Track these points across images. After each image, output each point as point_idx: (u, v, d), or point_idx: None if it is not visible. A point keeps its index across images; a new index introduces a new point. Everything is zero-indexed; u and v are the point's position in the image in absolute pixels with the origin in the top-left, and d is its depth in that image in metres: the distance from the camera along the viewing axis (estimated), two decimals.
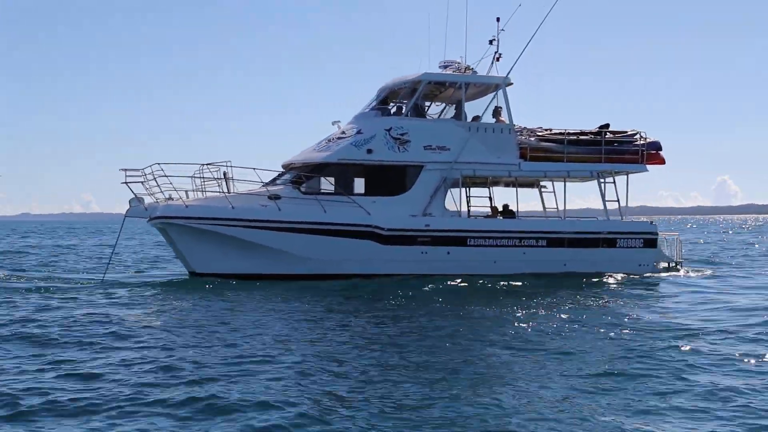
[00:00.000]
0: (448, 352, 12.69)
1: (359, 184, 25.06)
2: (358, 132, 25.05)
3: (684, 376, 11.07)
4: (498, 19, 27.42)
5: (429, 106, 28.15)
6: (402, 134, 24.92)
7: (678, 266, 26.98)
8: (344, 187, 24.82)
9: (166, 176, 23.78)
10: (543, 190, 28.50)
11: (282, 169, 26.02)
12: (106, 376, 10.79)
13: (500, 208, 26.66)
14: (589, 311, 17.50)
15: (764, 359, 12.19)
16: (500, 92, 25.95)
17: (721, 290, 22.10)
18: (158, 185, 23.79)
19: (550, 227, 25.50)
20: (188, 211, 23.74)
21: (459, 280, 23.37)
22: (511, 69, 25.85)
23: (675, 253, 27.39)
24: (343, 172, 24.91)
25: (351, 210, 24.25)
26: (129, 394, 9.86)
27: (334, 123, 26.71)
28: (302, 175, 24.64)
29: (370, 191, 24.80)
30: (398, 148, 24.87)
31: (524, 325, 15.42)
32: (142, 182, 23.81)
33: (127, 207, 24.32)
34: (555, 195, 27.77)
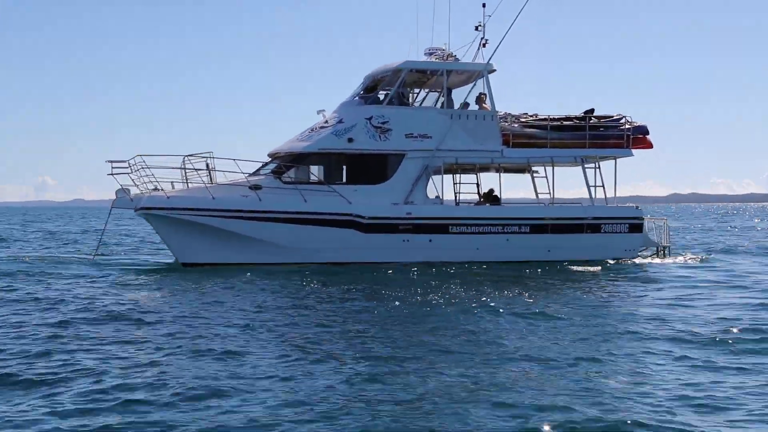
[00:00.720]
0: (413, 340, 12.60)
1: (340, 173, 25.07)
2: (340, 121, 25.02)
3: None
4: (484, 5, 27.14)
5: (417, 94, 28.07)
6: (383, 123, 24.85)
7: (665, 251, 26.80)
8: (325, 177, 24.84)
9: (149, 168, 23.97)
10: (535, 175, 28.29)
11: (268, 159, 26.07)
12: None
13: (486, 194, 26.59)
14: (556, 298, 17.42)
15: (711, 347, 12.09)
16: (483, 79, 25.77)
17: (699, 279, 21.82)
18: (141, 177, 23.97)
19: (533, 213, 25.39)
20: (169, 201, 23.84)
21: (440, 268, 23.40)
22: (492, 55, 25.80)
23: (663, 238, 27.19)
24: (324, 161, 24.94)
25: (332, 199, 24.25)
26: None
27: (319, 112, 26.66)
28: (283, 165, 24.66)
29: (351, 180, 24.80)
30: (379, 136, 24.81)
31: (492, 311, 15.34)
32: (128, 173, 23.99)
33: (114, 198, 24.55)
34: (547, 180, 27.51)
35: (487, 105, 25.88)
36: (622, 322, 14.26)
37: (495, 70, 26.26)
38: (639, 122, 26.68)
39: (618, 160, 26.68)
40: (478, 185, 26.96)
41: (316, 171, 25.32)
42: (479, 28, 27.01)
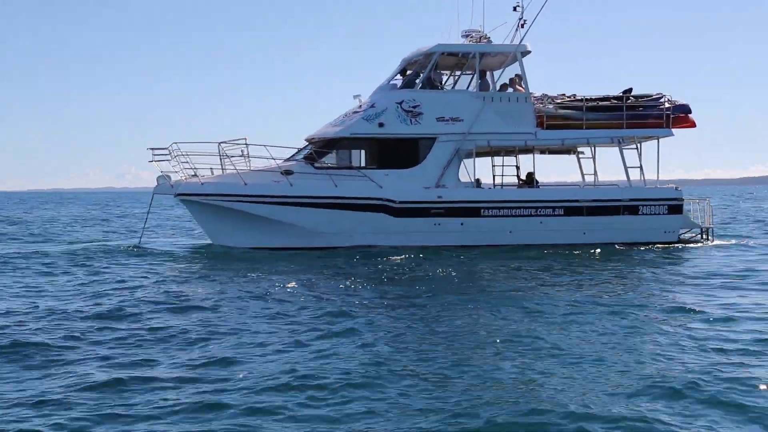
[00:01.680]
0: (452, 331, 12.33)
1: (373, 158, 25.14)
2: (372, 106, 25.09)
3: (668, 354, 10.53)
4: None
5: (458, 77, 27.77)
6: (414, 107, 24.80)
7: (707, 233, 26.02)
8: (357, 161, 24.98)
9: (184, 154, 24.52)
10: (581, 156, 27.72)
11: (305, 143, 26.34)
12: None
13: (524, 177, 26.27)
14: (591, 286, 17.13)
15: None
16: (517, 60, 25.44)
17: (741, 260, 21.12)
18: (180, 163, 24.53)
19: (567, 195, 24.99)
20: (203, 188, 24.36)
21: (474, 251, 23.33)
22: (524, 36, 25.39)
23: (705, 219, 26.40)
24: (355, 146, 25.07)
25: (362, 184, 24.37)
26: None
27: (355, 97, 26.76)
28: (315, 150, 24.88)
29: (383, 164, 24.84)
30: (410, 120, 24.78)
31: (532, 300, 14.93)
32: (168, 160, 24.61)
33: (155, 184, 25.20)
34: (594, 162, 26.98)
35: (522, 87, 25.55)
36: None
37: (530, 52, 25.90)
38: (680, 101, 25.94)
39: (661, 140, 26.02)
40: (517, 168, 26.63)
41: (353, 156, 25.47)
42: (517, 8, 26.64)
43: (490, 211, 24.55)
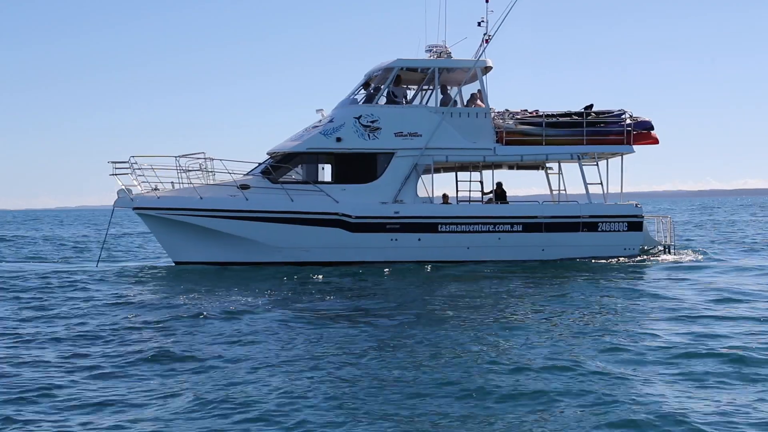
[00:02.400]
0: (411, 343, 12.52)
1: (330, 173, 25.02)
2: (330, 120, 24.98)
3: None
4: (487, 0, 26.76)
5: (425, 92, 27.60)
6: (372, 122, 24.67)
7: (669, 250, 25.76)
8: (314, 176, 24.86)
9: (143, 168, 24.42)
10: (549, 172, 27.56)
11: (268, 157, 26.19)
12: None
13: (495, 188, 26.06)
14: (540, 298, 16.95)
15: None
16: (478, 75, 25.30)
17: (696, 277, 20.83)
18: (139, 177, 24.40)
19: (526, 211, 24.78)
20: (159, 201, 24.23)
21: (429, 268, 23.17)
22: (483, 51, 25.28)
23: (667, 236, 26.17)
24: (312, 160, 24.94)
25: (319, 198, 24.22)
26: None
27: (318, 111, 26.67)
28: (271, 165, 24.75)
29: (340, 179, 24.69)
30: (368, 135, 24.64)
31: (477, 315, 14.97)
32: (129, 174, 24.49)
33: (116, 198, 25.06)
34: (561, 177, 26.79)
35: (482, 102, 25.42)
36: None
37: (491, 67, 25.79)
38: (642, 117, 25.78)
39: (624, 157, 25.84)
40: (481, 183, 26.37)
41: (320, 170, 25.35)
42: (481, 23, 26.50)
43: (447, 226, 24.35)
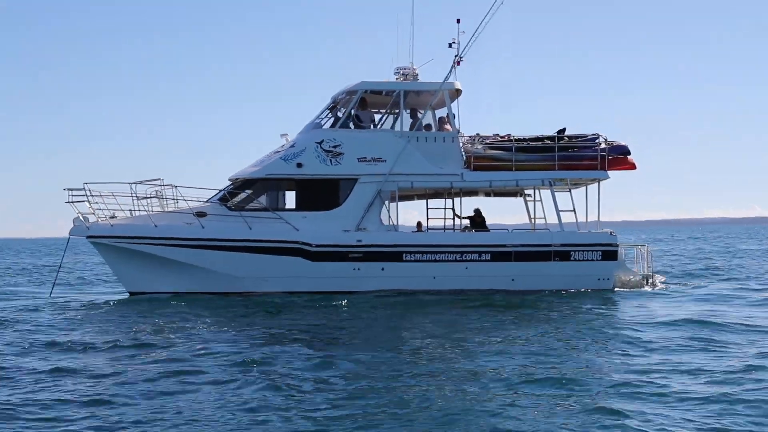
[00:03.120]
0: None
1: (291, 199, 24.10)
2: (292, 146, 24.09)
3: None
4: (458, 21, 25.77)
5: (397, 115, 26.60)
6: (334, 146, 23.75)
7: (647, 280, 24.58)
8: (274, 203, 23.93)
9: (97, 195, 23.51)
10: (528, 199, 26.49)
11: (229, 183, 25.29)
12: None
13: (473, 215, 25.06)
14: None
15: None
16: (445, 98, 24.35)
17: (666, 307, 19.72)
18: (91, 204, 23.48)
19: (494, 240, 23.72)
20: (113, 230, 23.32)
21: (395, 298, 22.11)
22: (453, 73, 24.32)
23: (644, 266, 25.00)
24: (272, 187, 24.01)
25: (278, 226, 23.26)
26: None
27: (282, 135, 25.75)
28: (229, 191, 23.83)
29: (301, 206, 23.74)
30: (330, 160, 23.71)
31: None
32: (84, 201, 23.57)
33: (71, 226, 24.13)
34: (541, 204, 25.80)
35: (450, 126, 24.49)
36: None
37: (460, 90, 24.87)
38: (618, 141, 24.77)
39: (601, 183, 24.80)
40: (453, 209, 25.28)
41: (278, 196, 24.39)
42: (452, 45, 25.57)
43: (412, 255, 23.31)
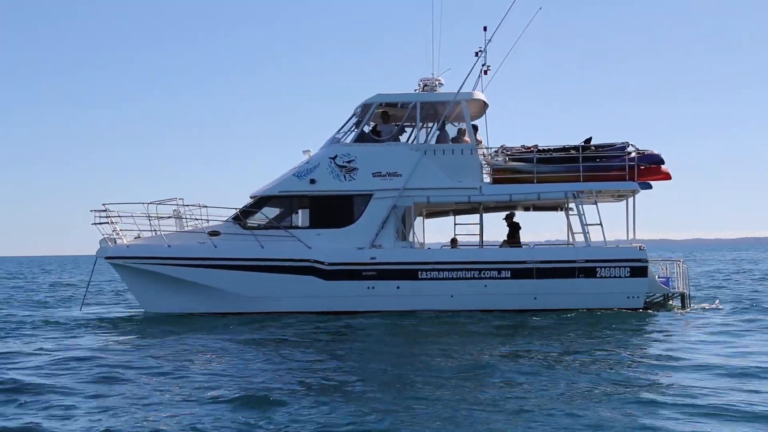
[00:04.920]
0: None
1: (306, 217, 23.54)
2: (307, 162, 23.57)
3: None
4: (485, 29, 24.89)
5: (421, 127, 25.67)
6: (348, 161, 23.10)
7: (684, 300, 22.93)
8: (288, 220, 23.43)
9: (116, 216, 23.50)
10: (570, 213, 25.16)
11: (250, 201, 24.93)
12: None
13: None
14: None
15: None
16: (463, 109, 23.40)
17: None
18: (110, 224, 23.48)
19: (515, 256, 22.58)
20: (128, 250, 23.25)
21: (411, 318, 21.25)
22: (463, 83, 23.35)
23: (680, 283, 23.36)
24: (286, 204, 23.52)
25: (291, 244, 22.74)
26: None
27: (305, 152, 25.24)
28: (242, 210, 23.44)
29: (315, 223, 23.17)
30: (344, 176, 23.06)
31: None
32: (108, 223, 23.60)
33: (98, 247, 24.23)
34: (583, 218, 24.47)
35: (468, 138, 23.52)
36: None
37: (480, 100, 23.88)
38: (651, 150, 23.28)
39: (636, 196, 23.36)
40: (480, 225, 24.22)
41: (296, 215, 23.90)
42: (479, 53, 24.68)
43: (428, 273, 22.41)
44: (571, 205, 24.38)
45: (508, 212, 24.55)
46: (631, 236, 23.70)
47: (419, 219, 26.30)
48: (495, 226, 26.20)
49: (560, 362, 14.16)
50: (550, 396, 11.33)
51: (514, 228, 24.30)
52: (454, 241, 24.04)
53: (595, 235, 23.43)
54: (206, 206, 23.85)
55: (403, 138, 24.61)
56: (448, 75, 25.03)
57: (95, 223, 23.78)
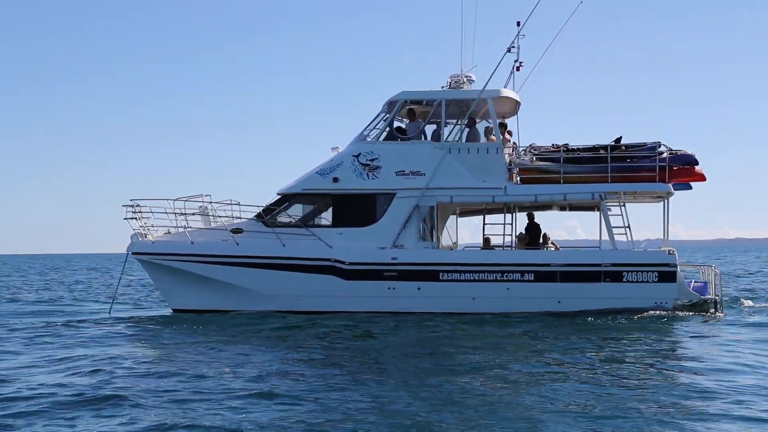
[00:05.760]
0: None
1: (329, 215, 23.36)
2: (331, 159, 23.36)
3: None
4: (518, 23, 24.29)
5: (446, 125, 25.13)
6: (372, 160, 22.82)
7: (716, 306, 22.08)
8: (310, 219, 23.27)
9: (141, 212, 23.64)
10: (610, 213, 24.42)
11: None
12: None
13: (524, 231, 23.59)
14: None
15: None
16: (489, 107, 22.88)
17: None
18: (138, 220, 23.64)
19: (538, 259, 22.04)
20: (153, 247, 23.40)
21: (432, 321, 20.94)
22: (489, 80, 22.77)
23: (712, 290, 22.49)
24: (309, 202, 23.37)
25: (312, 243, 22.59)
26: None
27: (333, 149, 25.08)
28: (266, 207, 23.37)
29: (337, 222, 22.98)
30: (367, 174, 22.80)
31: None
32: (136, 218, 23.77)
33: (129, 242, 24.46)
34: (623, 219, 23.74)
35: (494, 137, 23.01)
36: None
37: (511, 98, 23.34)
38: (684, 150, 22.43)
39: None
40: (511, 226, 23.68)
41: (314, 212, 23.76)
42: (512, 49, 24.09)
43: (450, 275, 22.03)
44: (609, 206, 23.69)
45: (528, 212, 23.95)
46: (665, 239, 23.03)
47: (452, 218, 26.04)
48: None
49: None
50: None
51: (534, 230, 23.72)
52: (486, 241, 23.62)
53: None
54: (232, 203, 23.87)
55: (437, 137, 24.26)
56: (479, 72, 24.60)
57: (127, 218, 24.05)
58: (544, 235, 23.80)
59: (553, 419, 10.14)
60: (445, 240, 25.24)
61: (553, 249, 23.41)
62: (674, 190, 22.87)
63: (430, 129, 24.09)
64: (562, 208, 24.67)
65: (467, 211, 25.67)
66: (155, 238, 23.54)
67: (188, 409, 11.01)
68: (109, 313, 25.07)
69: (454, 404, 11.07)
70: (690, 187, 23.15)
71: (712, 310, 21.92)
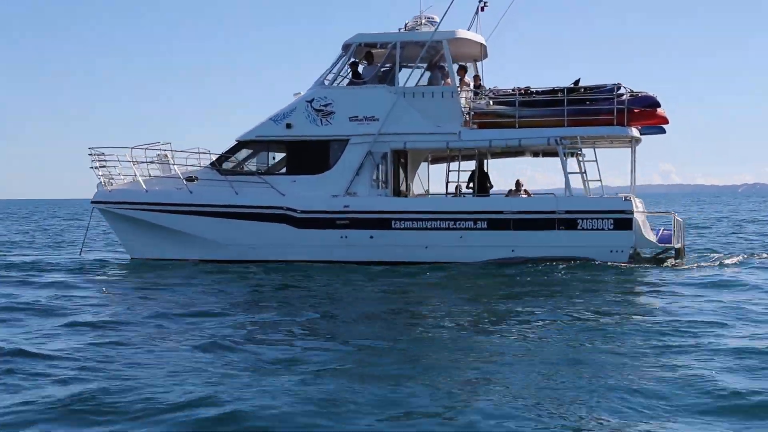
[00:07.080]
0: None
1: (282, 162, 22.99)
2: (288, 105, 22.90)
3: None
4: None
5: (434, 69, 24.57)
6: (325, 105, 22.30)
7: (678, 255, 21.36)
8: (265, 166, 22.94)
9: (104, 160, 23.56)
10: (581, 159, 23.64)
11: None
12: None
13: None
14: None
15: None
16: (444, 50, 22.13)
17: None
18: (96, 168, 23.53)
19: (491, 206, 21.49)
20: (109, 195, 23.33)
21: (381, 269, 20.63)
22: (442, 20, 21.97)
23: (674, 237, 21.72)
24: (262, 149, 23.00)
25: (265, 191, 22.28)
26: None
27: (295, 95, 24.57)
28: (221, 155, 23.06)
29: (291, 170, 22.60)
30: (321, 120, 22.31)
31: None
32: (97, 167, 23.66)
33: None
34: (596, 165, 23.04)
35: (450, 80, 22.30)
36: None
37: (470, 40, 22.55)
38: (645, 92, 21.52)
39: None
40: (483, 172, 23.09)
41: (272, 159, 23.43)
42: None
43: (402, 223, 21.60)
44: (585, 151, 22.97)
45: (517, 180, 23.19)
46: (632, 186, 22.30)
47: (424, 165, 25.52)
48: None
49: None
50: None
51: (482, 178, 22.97)
52: (517, 184, 22.88)
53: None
54: (200, 151, 23.68)
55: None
56: (438, 11, 23.71)
57: (92, 167, 23.96)
58: (517, 181, 23.19)
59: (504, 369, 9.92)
60: (417, 188, 24.81)
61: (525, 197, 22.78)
62: (644, 134, 22.10)
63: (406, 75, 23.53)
64: (520, 154, 23.96)
65: (438, 158, 25.09)
66: (111, 188, 23.42)
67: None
68: (79, 254, 25.29)
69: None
70: (663, 131, 22.35)
71: (672, 260, 21.23)
